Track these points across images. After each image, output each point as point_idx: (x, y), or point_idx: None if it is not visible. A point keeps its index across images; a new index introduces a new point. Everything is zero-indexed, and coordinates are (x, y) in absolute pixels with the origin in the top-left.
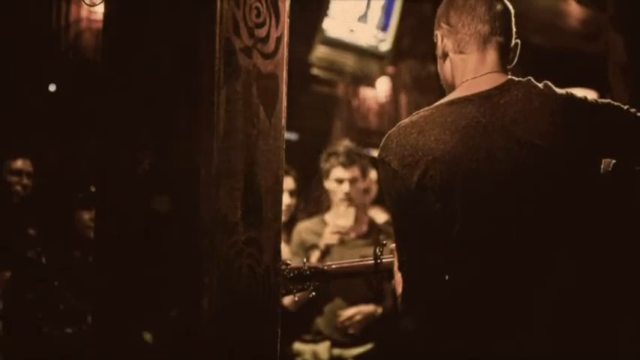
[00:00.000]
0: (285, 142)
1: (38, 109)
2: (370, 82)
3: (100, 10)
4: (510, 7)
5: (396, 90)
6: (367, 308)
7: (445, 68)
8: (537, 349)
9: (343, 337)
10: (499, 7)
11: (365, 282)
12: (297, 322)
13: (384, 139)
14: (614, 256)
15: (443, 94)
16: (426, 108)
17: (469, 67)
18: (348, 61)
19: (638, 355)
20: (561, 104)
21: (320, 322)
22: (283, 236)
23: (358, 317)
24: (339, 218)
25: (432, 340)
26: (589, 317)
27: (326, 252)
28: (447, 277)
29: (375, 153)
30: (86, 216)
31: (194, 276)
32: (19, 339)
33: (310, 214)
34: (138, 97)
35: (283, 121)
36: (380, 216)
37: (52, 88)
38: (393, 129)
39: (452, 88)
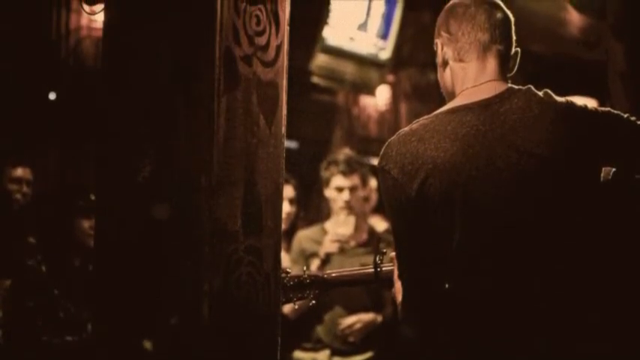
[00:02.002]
0: (285, 150)
1: (38, 116)
2: (370, 91)
3: (99, 18)
4: (510, 15)
5: (396, 98)
6: (367, 316)
7: (445, 76)
8: (538, 357)
9: (343, 345)
10: (499, 15)
11: (365, 290)
12: (297, 331)
13: (384, 148)
14: (616, 263)
15: (443, 103)
16: (426, 116)
17: (469, 76)
18: (348, 69)
19: None
20: (561, 112)
21: (320, 330)
22: (283, 244)
23: (358, 325)
24: (339, 226)
25: (432, 349)
26: (591, 325)
27: (326, 260)
28: (447, 286)
29: (375, 161)
30: (86, 224)
31: (194, 284)
32: (19, 347)
33: (310, 223)
34: (138, 105)
35: (283, 129)
36: (380, 224)
37: (52, 96)
38: (393, 137)
39: (452, 96)
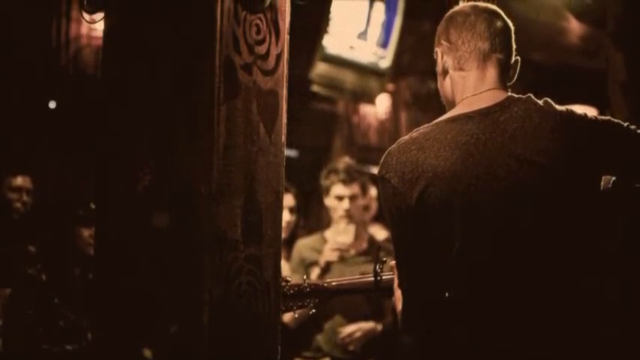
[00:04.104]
0: (285, 158)
1: (38, 125)
2: (370, 99)
3: (99, 27)
4: (510, 24)
5: (395, 107)
6: (367, 325)
7: (445, 85)
8: None
9: (343, 354)
10: (499, 24)
11: (365, 299)
12: (297, 339)
13: (384, 156)
14: (615, 272)
15: (443, 111)
16: (426, 125)
17: (469, 84)
18: (348, 78)
19: None
20: (561, 121)
21: (320, 339)
22: (283, 253)
23: (358, 334)
24: (339, 235)
25: (433, 357)
26: (592, 334)
27: (326, 269)
28: (447, 294)
29: (375, 170)
30: (86, 233)
31: (194, 292)
32: (20, 355)
33: (310, 231)
34: (138, 113)
35: (283, 138)
36: (380, 233)
37: (52, 105)
38: (393, 146)
39: (452, 105)
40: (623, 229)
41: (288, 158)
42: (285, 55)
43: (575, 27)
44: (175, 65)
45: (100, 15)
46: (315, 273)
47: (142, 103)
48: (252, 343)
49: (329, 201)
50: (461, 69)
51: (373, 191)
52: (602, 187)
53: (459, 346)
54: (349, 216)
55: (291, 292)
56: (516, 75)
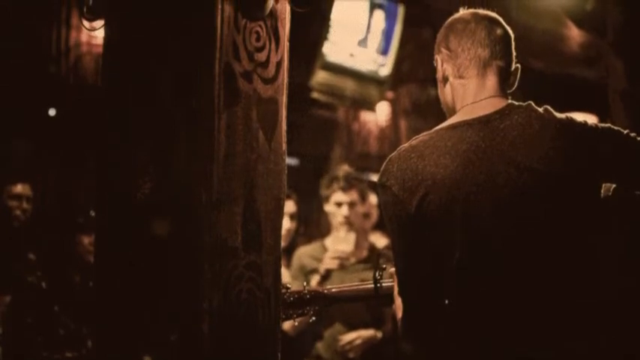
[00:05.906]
0: (286, 166)
1: (38, 132)
2: (370, 107)
3: (100, 34)
4: (510, 31)
5: (395, 114)
6: (367, 333)
7: (445, 93)
8: None
9: None
10: (499, 31)
11: (365, 306)
12: (297, 347)
13: (384, 164)
14: (616, 278)
15: (443, 119)
16: (426, 132)
17: (469, 92)
18: (348, 85)
19: None
20: (561, 128)
21: (320, 346)
22: (283, 260)
23: (358, 342)
24: (339, 243)
25: None
26: (592, 338)
27: (326, 276)
28: (446, 302)
29: (375, 177)
30: (86, 240)
31: (194, 300)
32: None
33: (310, 239)
34: (138, 121)
35: (283, 146)
36: (380, 241)
37: (52, 112)
38: (393, 153)
39: (452, 112)
40: (623, 237)
41: (288, 166)
42: (285, 63)
43: (575, 35)
44: (175, 72)
45: (100, 22)
46: (315, 280)
47: (142, 111)
48: (253, 351)
49: (329, 208)
50: (461, 76)
51: (373, 199)
52: (602, 194)
53: (459, 354)
54: (348, 222)
55: (292, 299)
56: (516, 82)
